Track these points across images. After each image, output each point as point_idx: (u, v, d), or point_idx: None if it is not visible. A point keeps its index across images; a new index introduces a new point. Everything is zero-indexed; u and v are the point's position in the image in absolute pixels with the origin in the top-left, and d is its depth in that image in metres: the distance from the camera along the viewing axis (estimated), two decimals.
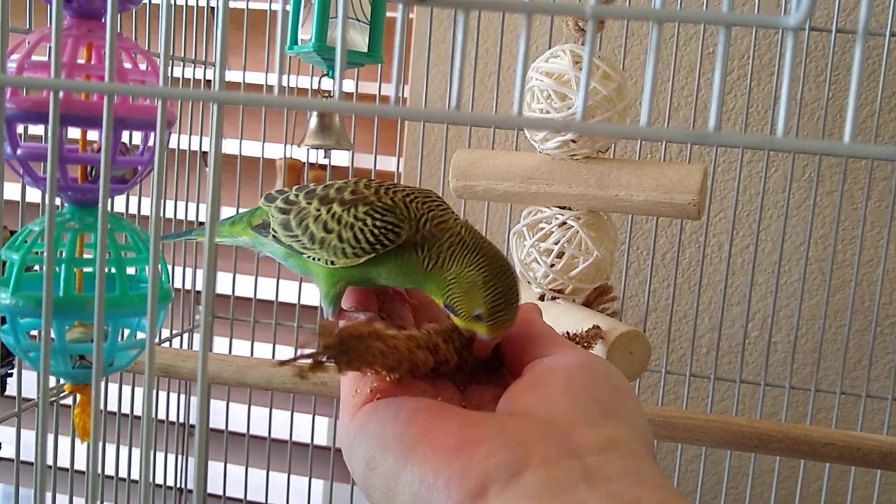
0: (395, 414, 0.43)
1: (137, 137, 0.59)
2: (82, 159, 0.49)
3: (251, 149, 1.26)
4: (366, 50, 0.91)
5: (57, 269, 0.49)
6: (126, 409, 1.18)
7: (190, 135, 1.20)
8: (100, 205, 0.41)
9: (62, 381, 0.53)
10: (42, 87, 0.47)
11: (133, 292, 0.50)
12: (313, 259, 0.59)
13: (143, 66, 0.53)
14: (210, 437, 1.32)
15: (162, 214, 1.23)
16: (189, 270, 1.24)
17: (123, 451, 1.17)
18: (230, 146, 1.27)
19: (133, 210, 1.12)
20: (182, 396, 1.28)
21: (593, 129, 0.38)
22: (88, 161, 0.49)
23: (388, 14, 0.92)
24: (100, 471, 1.08)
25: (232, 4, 1.23)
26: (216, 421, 1.32)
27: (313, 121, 0.92)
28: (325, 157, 1.14)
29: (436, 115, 0.39)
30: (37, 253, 0.51)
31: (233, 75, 1.24)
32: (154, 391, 1.18)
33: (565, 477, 0.37)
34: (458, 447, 0.40)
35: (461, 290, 0.52)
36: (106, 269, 0.50)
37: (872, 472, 1.14)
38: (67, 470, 1.02)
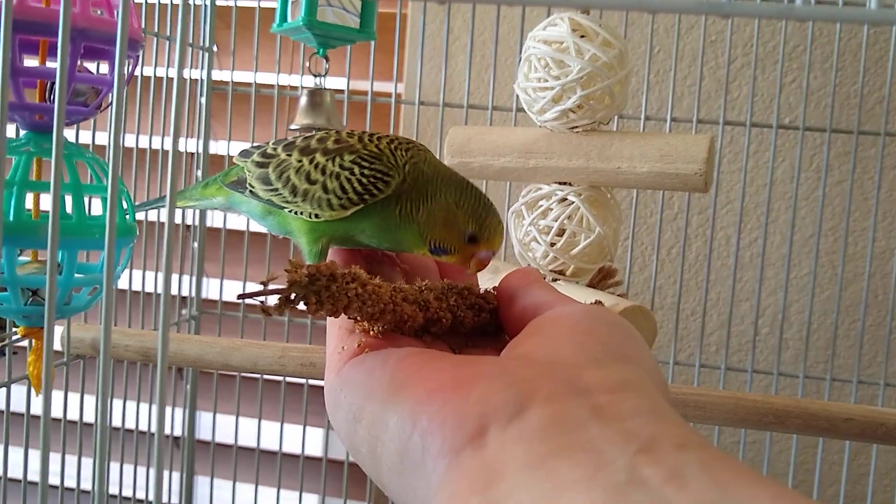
0: (383, 361, 0.39)
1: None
2: (39, 73, 0.45)
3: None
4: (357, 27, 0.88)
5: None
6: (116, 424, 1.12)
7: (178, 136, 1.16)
8: (56, 110, 0.37)
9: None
10: None
11: (92, 222, 0.46)
12: (295, 213, 0.56)
13: None
14: (196, 449, 1.26)
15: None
16: (175, 276, 1.20)
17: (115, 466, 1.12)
18: (221, 147, 1.24)
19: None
20: (169, 408, 1.23)
21: None
22: (46, 75, 0.45)
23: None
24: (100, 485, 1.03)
25: (220, 2, 1.20)
26: (202, 433, 1.27)
27: (303, 99, 0.89)
28: None
29: None
30: None
31: (221, 75, 1.22)
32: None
33: (573, 414, 0.33)
34: (453, 387, 0.35)
35: (440, 223, 0.50)
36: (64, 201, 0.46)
37: (892, 476, 1.08)
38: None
